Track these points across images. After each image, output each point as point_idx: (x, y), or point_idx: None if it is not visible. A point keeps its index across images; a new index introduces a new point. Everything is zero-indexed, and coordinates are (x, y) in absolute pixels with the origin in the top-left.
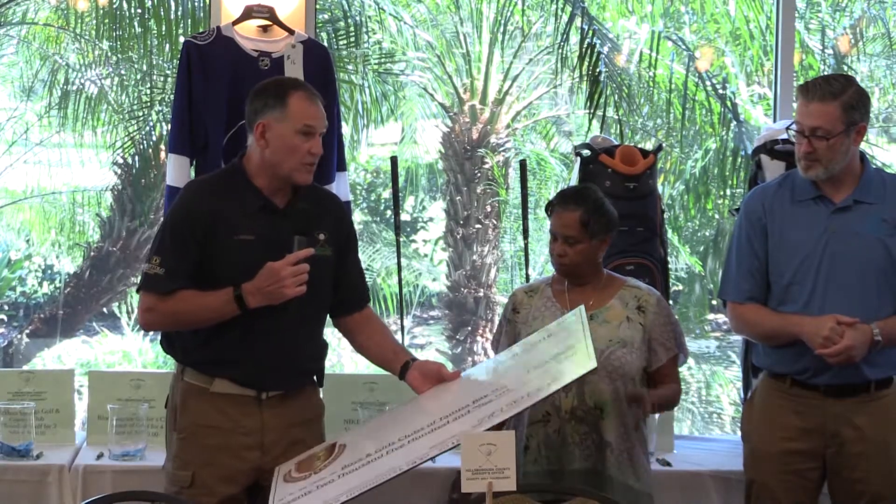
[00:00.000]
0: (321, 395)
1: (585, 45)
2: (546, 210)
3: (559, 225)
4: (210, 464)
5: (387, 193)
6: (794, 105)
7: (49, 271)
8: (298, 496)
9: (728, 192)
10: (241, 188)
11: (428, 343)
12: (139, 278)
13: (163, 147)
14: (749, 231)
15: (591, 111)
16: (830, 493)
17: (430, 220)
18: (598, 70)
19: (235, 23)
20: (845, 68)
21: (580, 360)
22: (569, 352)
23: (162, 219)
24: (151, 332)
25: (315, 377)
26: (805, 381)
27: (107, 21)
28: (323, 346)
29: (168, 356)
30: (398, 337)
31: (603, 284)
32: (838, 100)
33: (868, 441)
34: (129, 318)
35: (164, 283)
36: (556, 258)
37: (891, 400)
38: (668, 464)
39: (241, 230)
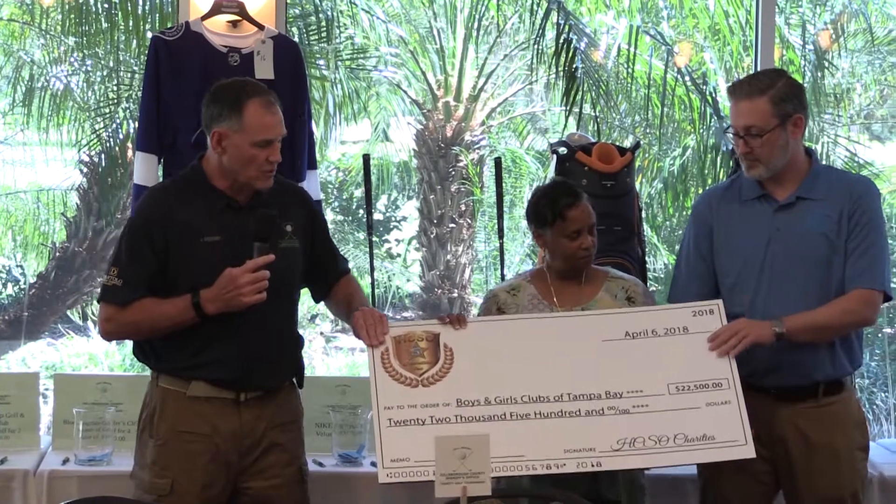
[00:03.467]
0: (300, 398)
1: (562, 41)
2: (552, 213)
3: (584, 218)
4: (190, 470)
5: (359, 192)
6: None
7: (13, 273)
8: (409, 419)
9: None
10: (203, 190)
11: None
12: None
13: (130, 145)
14: (696, 233)
15: (568, 108)
16: (784, 497)
17: (403, 219)
18: (574, 66)
19: (204, 18)
20: (826, 64)
21: (733, 431)
22: (718, 396)
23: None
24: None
25: (294, 378)
26: (753, 384)
27: (73, 16)
28: (297, 339)
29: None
30: None
31: (587, 277)
32: (766, 94)
33: (814, 448)
34: (94, 321)
35: (122, 295)
36: (583, 252)
37: (838, 407)
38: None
39: (207, 232)
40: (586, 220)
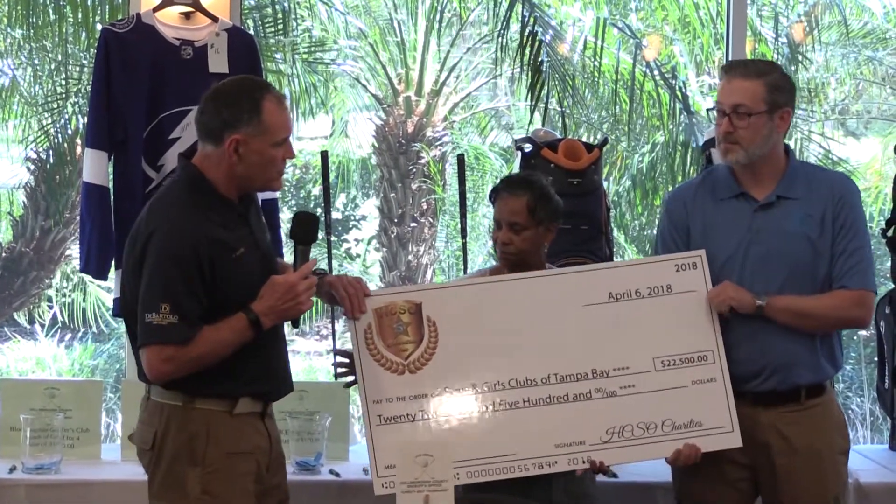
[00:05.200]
0: None
1: (526, 33)
2: (490, 197)
3: (505, 211)
4: (242, 495)
5: (317, 190)
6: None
7: None
8: (398, 415)
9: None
10: (214, 201)
11: None
12: (142, 330)
13: (79, 141)
14: (672, 233)
15: (533, 103)
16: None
17: (363, 218)
18: (539, 59)
19: (156, 9)
20: (799, 57)
21: (719, 415)
22: (704, 373)
23: (152, 257)
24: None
25: None
26: (735, 390)
27: (19, 8)
28: None
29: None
30: (328, 342)
31: None
32: (763, 79)
33: (797, 452)
34: (42, 324)
35: (182, 332)
36: (501, 246)
37: (821, 410)
38: (615, 475)
39: (235, 245)
40: (505, 215)
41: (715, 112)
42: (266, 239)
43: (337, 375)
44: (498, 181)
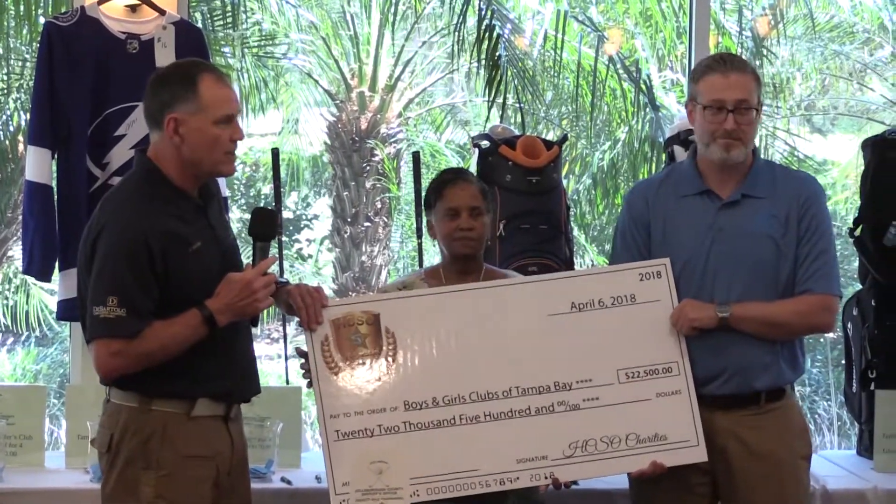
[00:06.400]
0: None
1: (484, 27)
2: (434, 193)
3: (464, 197)
4: (199, 499)
5: (267, 188)
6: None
7: None
8: (356, 430)
9: None
10: (167, 192)
11: None
12: (90, 324)
13: (21, 138)
14: (632, 229)
15: (491, 98)
16: None
17: (315, 217)
18: (497, 54)
19: (101, 2)
20: (764, 52)
21: (684, 429)
22: (668, 385)
23: (102, 251)
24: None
25: None
26: None
27: None
28: None
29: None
30: (280, 346)
31: (484, 277)
32: (753, 74)
33: (755, 456)
34: None
35: (131, 325)
36: (463, 234)
37: (781, 413)
38: (574, 482)
39: (191, 240)
40: (465, 200)
41: (710, 108)
42: (230, 236)
43: (305, 375)
44: (433, 184)
